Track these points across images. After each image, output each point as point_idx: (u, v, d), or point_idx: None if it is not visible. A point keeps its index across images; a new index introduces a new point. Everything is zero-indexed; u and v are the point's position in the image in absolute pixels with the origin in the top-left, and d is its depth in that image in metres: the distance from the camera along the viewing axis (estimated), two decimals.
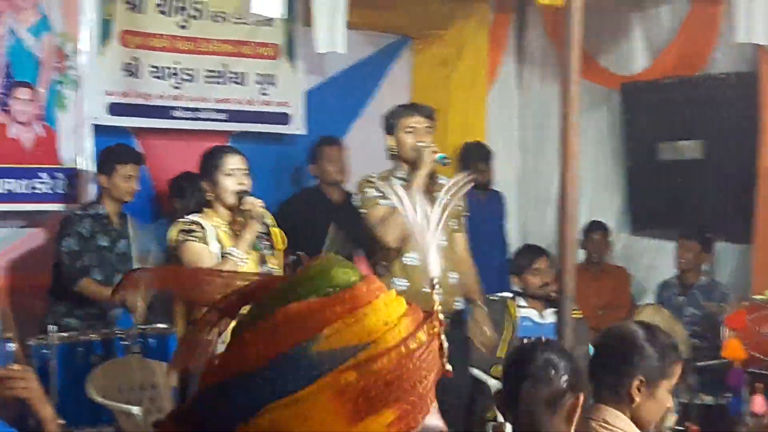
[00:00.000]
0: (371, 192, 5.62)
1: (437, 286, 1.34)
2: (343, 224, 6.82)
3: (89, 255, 6.39)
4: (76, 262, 6.34)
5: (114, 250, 6.54)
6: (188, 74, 7.53)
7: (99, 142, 6.92)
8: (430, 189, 5.55)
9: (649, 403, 3.27)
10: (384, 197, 5.56)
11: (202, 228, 5.14)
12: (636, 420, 3.28)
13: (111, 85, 7.18)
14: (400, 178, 5.63)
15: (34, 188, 6.77)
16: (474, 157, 8.18)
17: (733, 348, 6.31)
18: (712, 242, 7.80)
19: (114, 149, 6.63)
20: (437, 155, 5.48)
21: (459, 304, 5.73)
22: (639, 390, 3.25)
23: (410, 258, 5.57)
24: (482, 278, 6.20)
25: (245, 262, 5.09)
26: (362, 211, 5.65)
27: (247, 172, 5.26)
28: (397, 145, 5.67)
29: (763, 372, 6.13)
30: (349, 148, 7.70)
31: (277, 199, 7.63)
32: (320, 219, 7.35)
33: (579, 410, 3.10)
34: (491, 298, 7.19)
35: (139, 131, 7.43)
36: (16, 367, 3.06)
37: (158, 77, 7.40)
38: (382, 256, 5.68)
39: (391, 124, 5.71)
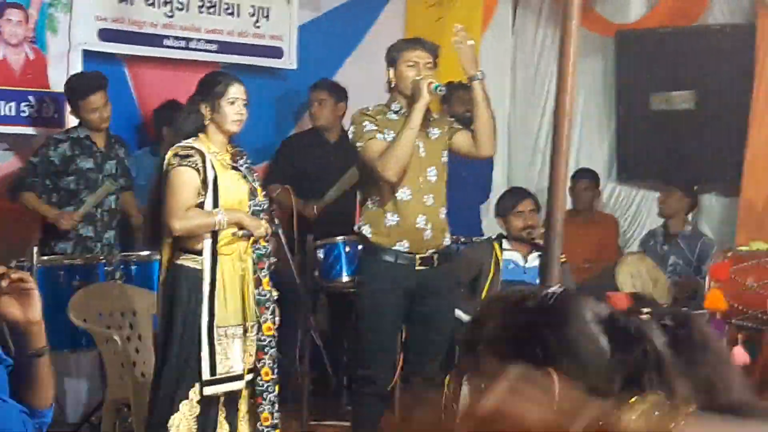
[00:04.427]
0: (368, 126, 5.55)
1: None
2: (340, 164, 6.80)
3: (72, 177, 6.38)
4: (27, 177, 6.36)
5: (102, 171, 6.51)
6: (181, 3, 7.44)
7: (88, 67, 6.83)
8: (425, 124, 5.53)
9: None
10: (380, 131, 5.54)
11: (201, 154, 5.06)
12: None
13: (103, 10, 7.07)
14: (396, 112, 5.61)
15: (21, 111, 6.71)
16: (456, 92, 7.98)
17: (714, 299, 6.29)
18: (696, 191, 7.79)
19: (73, 84, 6.51)
20: (433, 85, 5.44)
21: (447, 240, 5.70)
22: None
23: (403, 193, 5.54)
24: (460, 219, 6.16)
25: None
26: (358, 144, 5.55)
27: (246, 102, 5.19)
28: (397, 78, 5.61)
29: (743, 323, 6.13)
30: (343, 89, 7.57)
31: (265, 132, 7.60)
32: (318, 160, 7.33)
33: None
34: (476, 240, 7.19)
35: (129, 58, 7.35)
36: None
37: (151, 5, 7.30)
38: (374, 191, 5.62)
39: (393, 57, 5.63)
